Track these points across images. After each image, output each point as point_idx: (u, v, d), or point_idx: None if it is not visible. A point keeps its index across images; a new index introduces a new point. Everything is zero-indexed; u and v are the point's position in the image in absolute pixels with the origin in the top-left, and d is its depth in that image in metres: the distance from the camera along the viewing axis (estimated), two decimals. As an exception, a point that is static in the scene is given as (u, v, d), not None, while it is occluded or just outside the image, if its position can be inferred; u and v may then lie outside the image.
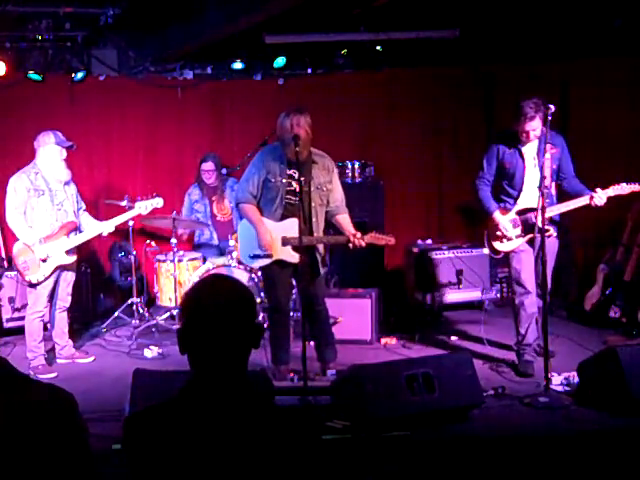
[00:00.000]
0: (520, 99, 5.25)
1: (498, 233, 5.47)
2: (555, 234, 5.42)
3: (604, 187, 5.28)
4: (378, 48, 8.11)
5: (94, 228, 5.95)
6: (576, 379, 4.93)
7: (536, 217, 5.16)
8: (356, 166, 7.64)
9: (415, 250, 7.45)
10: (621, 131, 7.45)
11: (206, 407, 1.82)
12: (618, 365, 4.52)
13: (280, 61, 8.04)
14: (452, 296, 7.34)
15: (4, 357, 1.90)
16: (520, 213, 5.44)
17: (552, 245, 5.35)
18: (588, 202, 5.27)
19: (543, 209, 4.92)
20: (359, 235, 5.13)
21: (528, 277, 5.42)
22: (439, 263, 7.33)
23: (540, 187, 5.03)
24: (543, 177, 5.05)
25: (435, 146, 8.36)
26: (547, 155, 5.18)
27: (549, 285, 5.17)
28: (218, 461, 1.78)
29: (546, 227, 5.16)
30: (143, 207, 6.11)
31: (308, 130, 5.04)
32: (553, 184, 5.42)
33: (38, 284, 5.67)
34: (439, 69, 8.22)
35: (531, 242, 5.44)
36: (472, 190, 5.64)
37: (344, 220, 5.33)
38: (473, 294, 7.39)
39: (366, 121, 8.29)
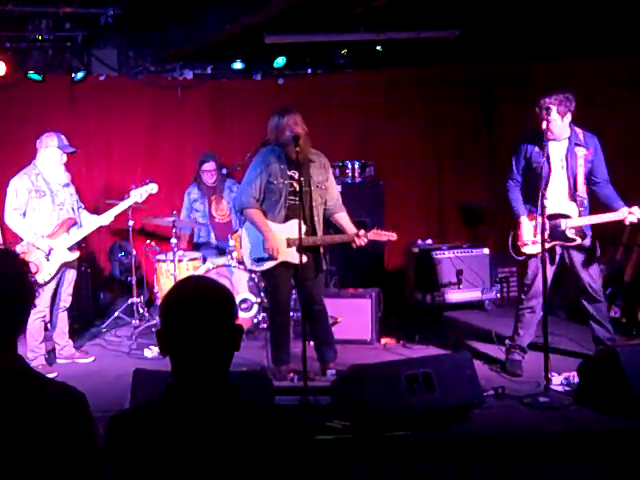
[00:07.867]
0: (521, 98, 5.22)
1: (523, 237, 5.26)
2: (581, 242, 5.18)
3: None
4: (378, 48, 8.11)
5: (93, 222, 5.95)
6: (576, 379, 4.92)
7: (566, 225, 5.09)
8: (356, 166, 7.64)
9: (415, 250, 7.45)
10: (621, 131, 7.45)
11: (185, 409, 1.81)
12: (618, 365, 4.52)
13: (280, 61, 8.05)
14: (452, 296, 7.33)
15: (20, 355, 1.92)
16: (550, 218, 5.09)
17: (581, 255, 5.24)
18: (621, 218, 5.05)
19: (543, 212, 4.84)
20: (362, 232, 5.14)
21: (539, 283, 5.21)
22: (439, 263, 7.32)
23: (572, 193, 5.00)
24: (574, 182, 5.03)
25: (435, 146, 8.36)
26: (580, 161, 5.06)
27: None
28: (197, 464, 1.76)
29: (572, 236, 5.11)
30: (138, 195, 6.09)
31: (305, 128, 5.06)
32: (584, 188, 5.17)
33: (45, 284, 5.67)
34: (439, 69, 8.22)
35: (553, 250, 5.21)
36: (503, 191, 5.42)
37: (344, 219, 5.34)
38: (473, 294, 7.39)
39: (366, 121, 8.29)
